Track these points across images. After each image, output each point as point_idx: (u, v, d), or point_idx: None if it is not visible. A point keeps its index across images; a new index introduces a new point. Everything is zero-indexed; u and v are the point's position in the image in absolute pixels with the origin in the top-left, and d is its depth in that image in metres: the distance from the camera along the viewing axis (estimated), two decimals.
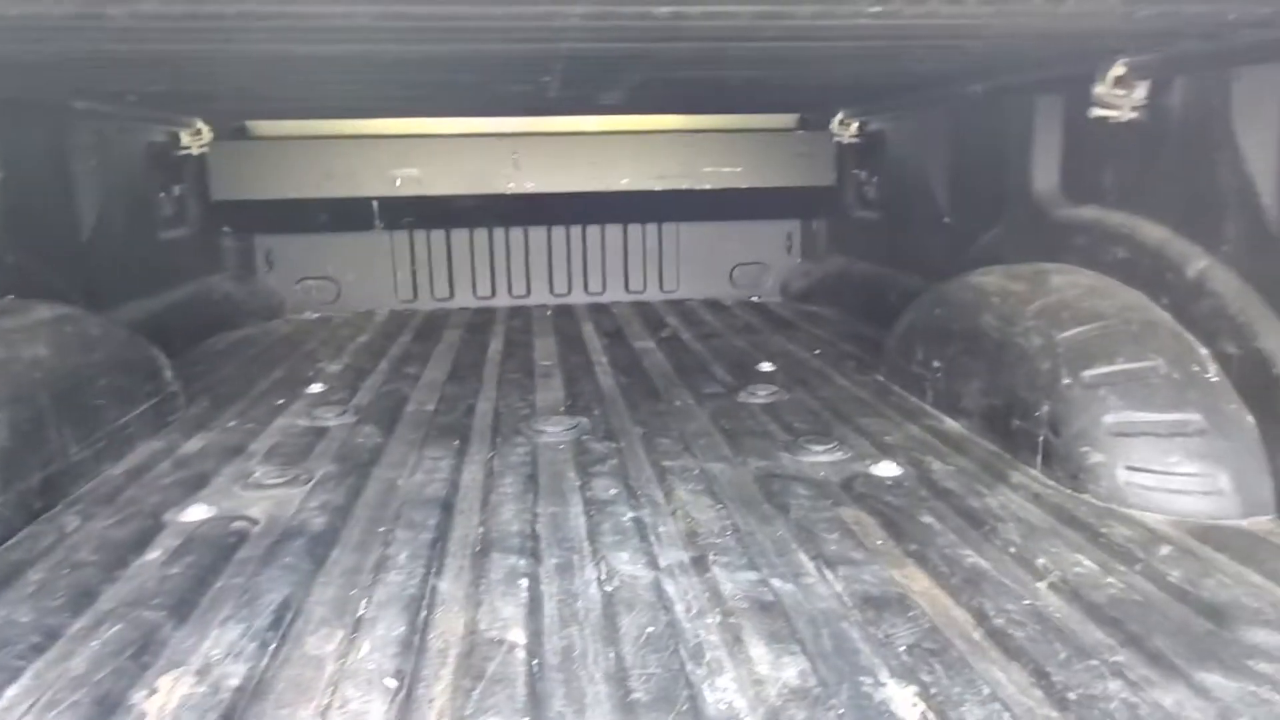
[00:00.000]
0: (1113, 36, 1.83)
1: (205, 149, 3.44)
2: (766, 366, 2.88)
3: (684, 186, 3.96)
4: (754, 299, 4.36)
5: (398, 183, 3.77)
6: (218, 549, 1.52)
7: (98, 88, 2.46)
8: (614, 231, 4.28)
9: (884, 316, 2.85)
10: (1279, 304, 1.65)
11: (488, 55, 1.86)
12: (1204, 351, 1.78)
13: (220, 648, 1.20)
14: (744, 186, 4.04)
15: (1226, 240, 1.77)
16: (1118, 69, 1.93)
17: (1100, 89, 1.96)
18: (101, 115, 2.82)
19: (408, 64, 1.94)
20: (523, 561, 1.45)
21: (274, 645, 1.21)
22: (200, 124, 3.36)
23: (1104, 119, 2.01)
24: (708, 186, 3.99)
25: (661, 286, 4.36)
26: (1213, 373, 1.75)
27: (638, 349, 3.21)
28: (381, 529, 1.60)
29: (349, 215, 3.88)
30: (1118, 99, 1.95)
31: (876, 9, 1.41)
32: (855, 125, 3.74)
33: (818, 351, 3.12)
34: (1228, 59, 1.74)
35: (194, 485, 1.84)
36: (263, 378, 2.80)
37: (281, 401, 2.50)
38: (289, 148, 3.76)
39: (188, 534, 1.58)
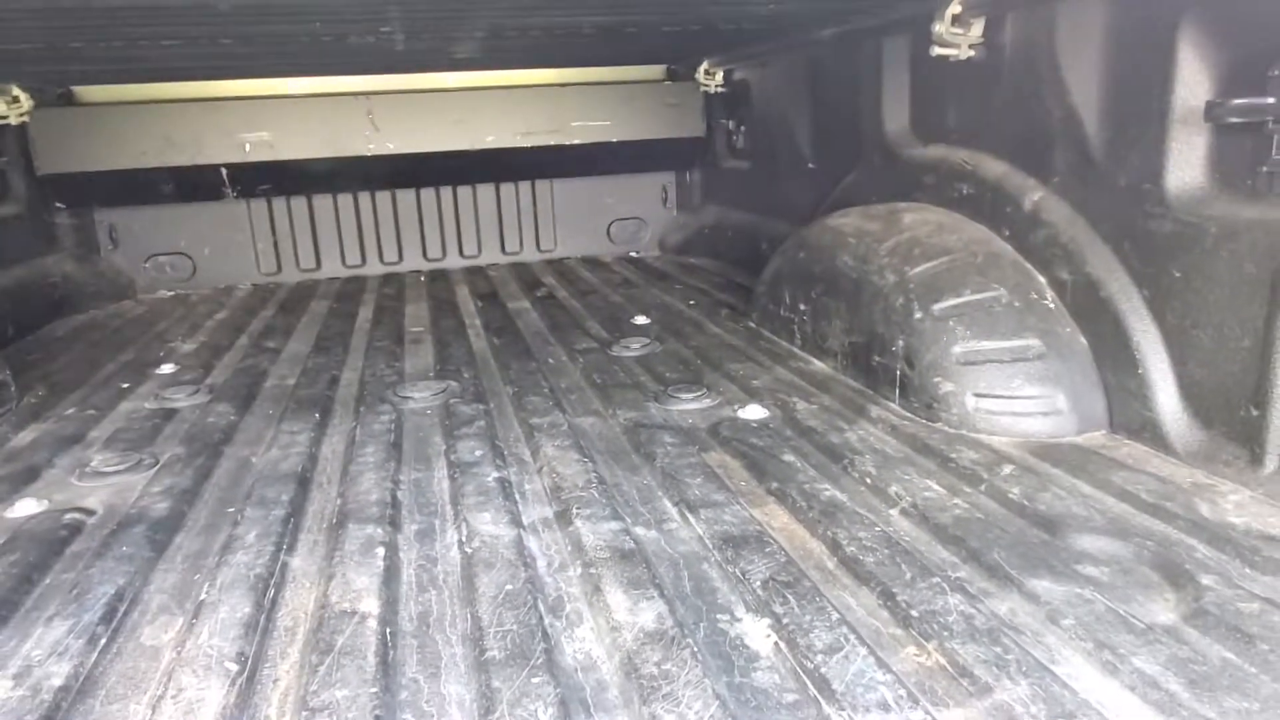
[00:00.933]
0: None
1: (25, 118, 3.15)
2: (641, 320, 2.87)
3: (553, 142, 3.88)
4: (632, 254, 4.35)
5: (247, 148, 3.56)
6: (46, 544, 1.41)
7: None
8: (486, 192, 4.17)
9: (758, 265, 2.88)
10: (1104, 230, 1.73)
11: (308, 2, 1.74)
12: (1042, 279, 1.87)
13: (43, 648, 1.12)
14: (615, 140, 3.99)
15: (1057, 172, 1.85)
16: (954, 7, 1.97)
17: (939, 27, 2.00)
18: None
19: (218, 12, 1.79)
20: (380, 530, 1.40)
21: (105, 639, 1.13)
22: (16, 90, 3.07)
23: (945, 58, 2.06)
24: (577, 141, 3.92)
25: (539, 246, 4.29)
26: (1049, 299, 1.83)
27: (512, 310, 3.16)
28: (231, 509, 1.52)
29: (198, 185, 3.64)
30: (956, 37, 2.00)
31: None
32: (720, 75, 3.74)
33: (692, 302, 3.14)
34: None
35: (23, 480, 1.70)
36: (108, 361, 2.62)
37: (127, 385, 2.35)
38: (123, 114, 3.49)
39: (13, 531, 1.46)
